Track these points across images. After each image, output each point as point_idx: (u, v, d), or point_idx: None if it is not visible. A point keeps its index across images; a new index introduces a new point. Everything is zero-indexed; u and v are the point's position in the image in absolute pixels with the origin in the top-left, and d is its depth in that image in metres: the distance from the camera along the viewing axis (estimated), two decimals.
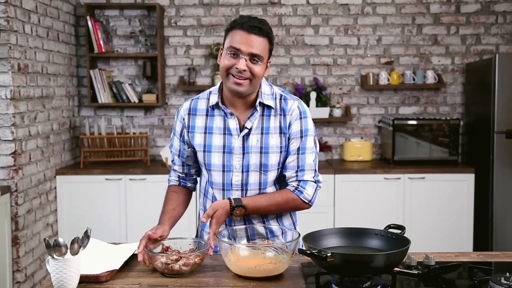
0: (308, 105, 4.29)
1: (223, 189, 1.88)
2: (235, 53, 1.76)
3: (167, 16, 4.57)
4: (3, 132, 3.38)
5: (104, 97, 4.36)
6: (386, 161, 4.44)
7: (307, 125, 1.87)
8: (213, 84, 4.52)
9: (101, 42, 4.31)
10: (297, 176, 1.86)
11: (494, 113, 4.01)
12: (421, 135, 4.33)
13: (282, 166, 1.90)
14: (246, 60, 1.75)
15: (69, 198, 4.07)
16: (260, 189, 1.88)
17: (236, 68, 1.75)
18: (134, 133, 4.46)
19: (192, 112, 1.92)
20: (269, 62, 1.84)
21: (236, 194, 1.87)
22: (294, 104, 1.88)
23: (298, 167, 1.86)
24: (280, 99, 1.89)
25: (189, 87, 4.51)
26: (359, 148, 4.45)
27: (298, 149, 1.86)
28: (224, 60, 1.78)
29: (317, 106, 4.43)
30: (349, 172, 4.12)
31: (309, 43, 4.60)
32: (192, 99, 1.95)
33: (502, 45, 4.58)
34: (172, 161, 2.04)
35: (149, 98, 4.44)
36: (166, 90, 4.61)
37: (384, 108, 4.66)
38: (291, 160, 1.86)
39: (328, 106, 4.52)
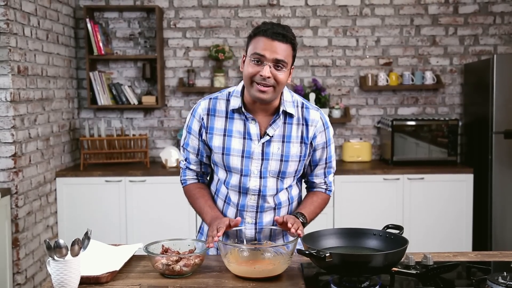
0: None
1: (240, 192, 1.89)
2: (259, 59, 1.74)
3: (166, 18, 4.59)
4: (3, 135, 3.39)
5: (103, 99, 4.37)
6: (385, 161, 4.45)
7: (329, 135, 1.94)
8: (212, 86, 4.53)
9: (101, 44, 4.32)
10: (325, 182, 2.01)
11: (492, 113, 4.02)
12: (420, 136, 4.34)
13: (302, 173, 1.98)
14: (270, 67, 1.74)
15: (69, 200, 4.08)
16: (276, 194, 1.91)
17: (261, 75, 1.74)
18: (133, 135, 4.47)
19: (211, 113, 1.89)
20: (293, 68, 1.83)
21: (252, 198, 1.88)
22: (316, 115, 1.91)
23: (325, 174, 1.99)
24: (302, 107, 1.90)
25: (188, 89, 4.52)
26: (358, 149, 4.46)
27: (326, 159, 1.96)
28: (248, 68, 1.76)
29: None
30: (348, 173, 4.13)
31: (308, 44, 4.61)
32: (211, 98, 1.91)
33: (500, 45, 4.59)
34: (185, 160, 1.99)
35: (149, 100, 4.45)
36: (165, 91, 4.62)
37: (383, 109, 4.67)
38: (320, 169, 1.97)
39: (327, 107, 4.53)
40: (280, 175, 1.88)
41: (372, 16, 4.59)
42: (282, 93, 1.86)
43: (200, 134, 1.91)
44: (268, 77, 1.74)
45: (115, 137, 4.35)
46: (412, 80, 4.53)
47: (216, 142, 1.88)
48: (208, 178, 2.05)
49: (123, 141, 4.39)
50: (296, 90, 4.49)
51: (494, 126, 4.02)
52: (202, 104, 1.91)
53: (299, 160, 1.89)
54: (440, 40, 4.60)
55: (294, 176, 1.93)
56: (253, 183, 1.87)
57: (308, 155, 1.92)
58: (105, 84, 4.37)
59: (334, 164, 2.00)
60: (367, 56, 4.63)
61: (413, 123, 4.33)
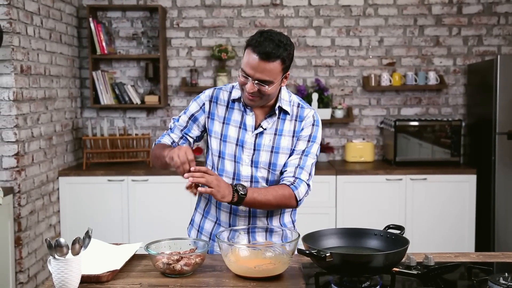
0: None
1: (233, 178, 1.95)
2: (245, 75, 1.82)
3: (169, 18, 4.59)
4: (6, 134, 3.40)
5: (106, 98, 4.37)
6: (388, 162, 4.44)
7: (317, 132, 1.99)
8: (215, 85, 4.53)
9: (104, 44, 4.33)
10: (295, 173, 1.93)
11: (495, 114, 4.01)
12: (423, 136, 4.33)
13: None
14: (254, 83, 1.80)
15: (72, 199, 4.09)
16: (267, 182, 1.96)
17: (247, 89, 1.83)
18: (136, 134, 4.48)
19: (214, 100, 2.00)
20: (288, 74, 1.88)
21: (245, 183, 1.93)
22: (310, 112, 1.99)
23: (298, 165, 1.94)
24: (298, 106, 1.99)
25: (191, 89, 4.53)
26: (361, 149, 4.45)
27: (303, 151, 1.95)
28: (239, 77, 1.86)
29: (319, 107, 4.44)
30: (351, 173, 4.12)
31: (311, 44, 4.61)
32: (215, 88, 2.03)
33: (504, 46, 4.58)
34: (170, 129, 2.07)
35: (152, 100, 4.45)
36: (168, 91, 4.63)
37: (386, 109, 4.66)
38: (294, 159, 1.95)
39: (330, 107, 4.53)
40: (271, 167, 1.94)
41: (376, 16, 4.58)
42: (280, 91, 1.94)
43: (193, 116, 2.01)
44: (253, 92, 1.82)
45: (118, 137, 4.36)
46: (415, 81, 4.52)
47: (216, 127, 1.97)
48: None
49: (125, 141, 4.39)
50: (299, 90, 4.49)
51: (497, 127, 4.00)
52: (207, 92, 2.03)
53: (289, 154, 1.96)
54: (444, 40, 4.59)
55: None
56: (245, 170, 1.94)
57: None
58: (108, 83, 4.38)
59: (309, 165, 1.93)
60: (370, 56, 4.62)
61: (416, 123, 4.33)
